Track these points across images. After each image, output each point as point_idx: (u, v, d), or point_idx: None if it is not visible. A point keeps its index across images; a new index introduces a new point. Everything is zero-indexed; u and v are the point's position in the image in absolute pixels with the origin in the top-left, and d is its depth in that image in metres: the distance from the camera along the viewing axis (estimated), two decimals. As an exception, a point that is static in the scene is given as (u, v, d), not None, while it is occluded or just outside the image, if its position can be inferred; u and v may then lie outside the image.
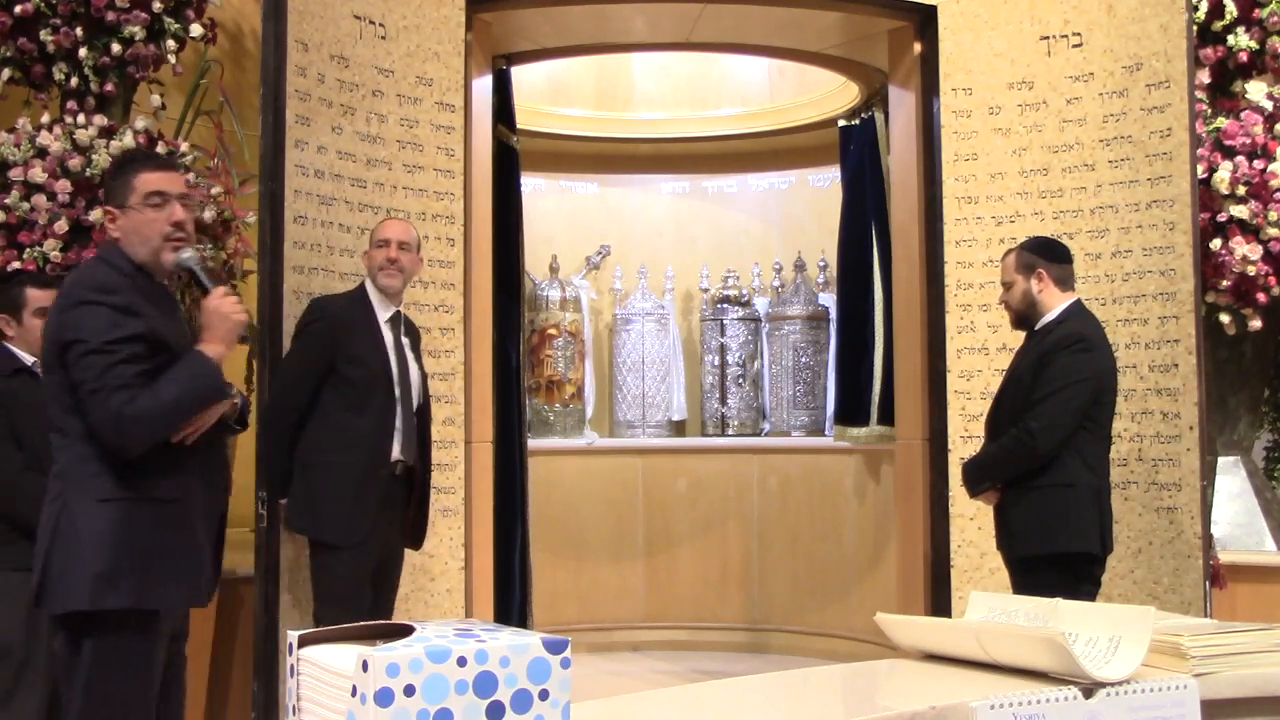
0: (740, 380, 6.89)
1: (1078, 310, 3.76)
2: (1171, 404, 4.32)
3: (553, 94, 6.76)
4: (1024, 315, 3.80)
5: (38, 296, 3.54)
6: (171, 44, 4.55)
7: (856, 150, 6.01)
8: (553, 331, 6.74)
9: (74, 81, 4.46)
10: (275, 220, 3.87)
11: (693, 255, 7.12)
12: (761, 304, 6.97)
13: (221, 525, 2.83)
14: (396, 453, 3.72)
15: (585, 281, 7.04)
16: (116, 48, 4.43)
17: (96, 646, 2.53)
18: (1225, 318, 4.88)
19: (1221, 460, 5.11)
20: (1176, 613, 3.51)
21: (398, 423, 3.72)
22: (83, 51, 4.40)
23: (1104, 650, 1.84)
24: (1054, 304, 3.74)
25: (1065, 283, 3.77)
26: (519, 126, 5.61)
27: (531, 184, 6.66)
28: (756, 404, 6.92)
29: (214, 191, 4.45)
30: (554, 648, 1.42)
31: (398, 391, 3.73)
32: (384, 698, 1.31)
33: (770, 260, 7.04)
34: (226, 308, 2.64)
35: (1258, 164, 4.74)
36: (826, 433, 6.51)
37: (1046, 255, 3.78)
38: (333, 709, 1.42)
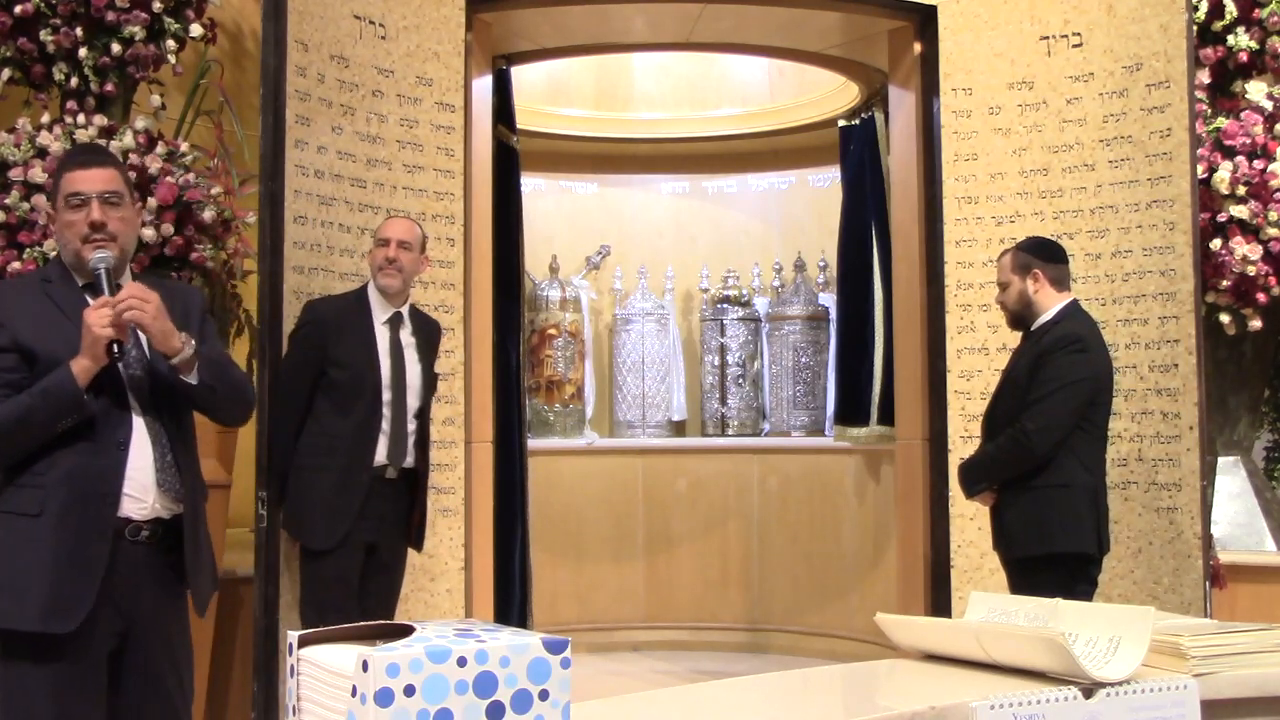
0: (740, 380, 6.89)
1: (1074, 310, 3.76)
2: (1171, 404, 4.32)
3: (553, 94, 6.76)
4: (1020, 316, 3.80)
5: None
6: (171, 44, 4.55)
7: (856, 150, 6.01)
8: (553, 331, 6.74)
9: (74, 81, 4.45)
10: (275, 220, 3.87)
11: (693, 255, 7.12)
12: (761, 304, 6.98)
13: (192, 536, 2.63)
14: (381, 457, 3.68)
15: (585, 281, 7.04)
16: (116, 48, 4.43)
17: (3, 663, 2.49)
18: (1225, 318, 4.88)
19: (1221, 460, 5.11)
20: (1176, 613, 3.51)
21: (384, 426, 3.68)
22: (83, 51, 4.39)
23: (1104, 650, 1.84)
24: (1050, 304, 3.74)
25: (1061, 283, 3.77)
26: (519, 126, 5.61)
27: (531, 184, 6.65)
28: (756, 404, 6.92)
29: (214, 191, 4.44)
30: (554, 648, 1.42)
31: (387, 395, 3.69)
32: (384, 698, 1.31)
33: (770, 260, 7.04)
34: (90, 319, 2.47)
35: (1258, 164, 4.74)
36: (826, 433, 6.51)
37: (1042, 255, 3.78)
38: (333, 709, 1.41)
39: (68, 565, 2.48)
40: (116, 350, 2.49)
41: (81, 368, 2.48)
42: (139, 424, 2.58)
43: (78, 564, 2.49)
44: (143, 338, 2.61)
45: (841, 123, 6.19)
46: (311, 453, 3.68)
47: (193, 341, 2.61)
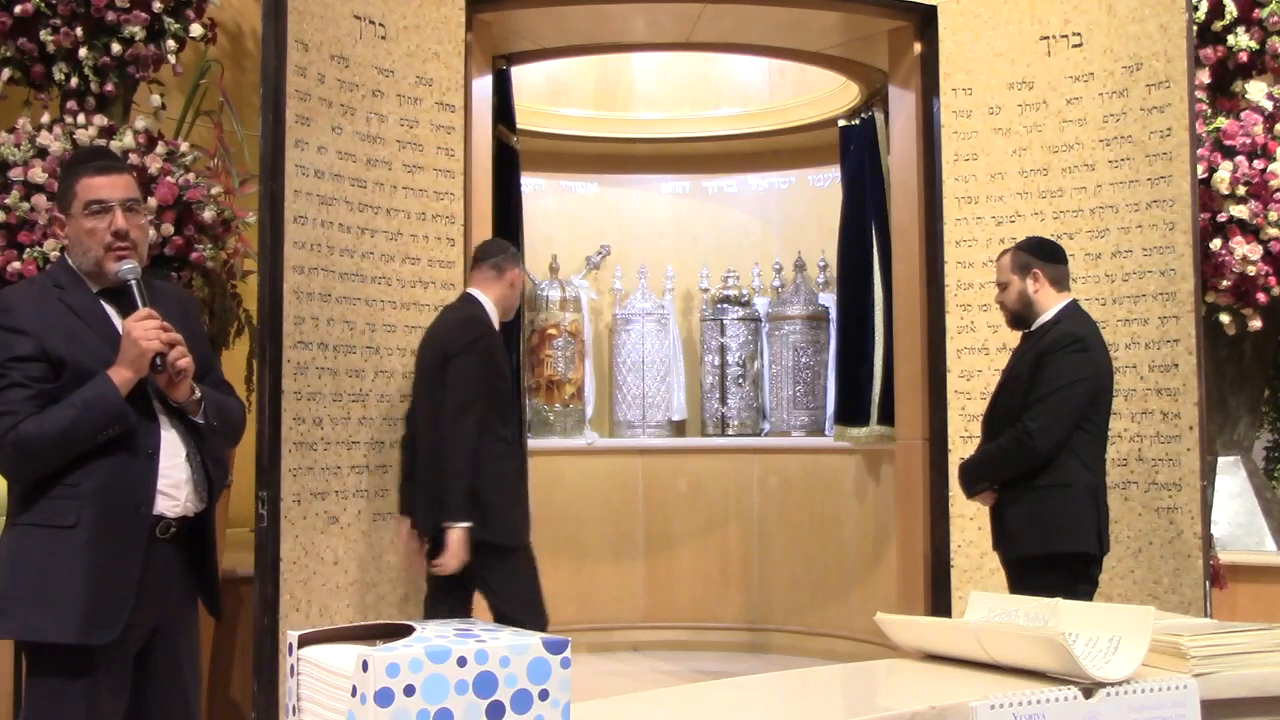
0: (740, 380, 6.89)
1: (1073, 310, 3.76)
2: (1171, 404, 4.32)
3: (553, 94, 6.76)
4: (1019, 315, 3.81)
5: None
6: (171, 44, 4.55)
7: (856, 150, 6.01)
8: (553, 331, 6.74)
9: (74, 81, 4.45)
10: (275, 220, 3.87)
11: (693, 255, 7.12)
12: (761, 304, 6.97)
13: (201, 546, 2.64)
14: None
15: (585, 281, 7.04)
16: (116, 48, 4.43)
17: (32, 678, 2.48)
18: (1225, 318, 4.88)
19: (1221, 460, 5.11)
20: (1176, 613, 3.51)
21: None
22: (83, 51, 4.39)
23: (1104, 650, 1.84)
24: (1049, 304, 3.75)
25: (1061, 283, 3.78)
26: (519, 126, 5.61)
27: (531, 184, 6.65)
28: (756, 404, 6.92)
29: (214, 191, 4.44)
30: (554, 648, 1.42)
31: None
32: (384, 698, 1.32)
33: (770, 260, 7.04)
34: (137, 332, 2.46)
35: (1258, 164, 4.74)
36: (826, 433, 6.51)
37: (1042, 255, 3.79)
38: (333, 709, 1.42)
39: (105, 576, 2.47)
40: (159, 363, 2.48)
41: (123, 379, 2.47)
42: (165, 430, 2.58)
43: (114, 574, 2.48)
44: None
45: (841, 123, 6.19)
46: (494, 457, 3.87)
47: (198, 391, 2.61)
